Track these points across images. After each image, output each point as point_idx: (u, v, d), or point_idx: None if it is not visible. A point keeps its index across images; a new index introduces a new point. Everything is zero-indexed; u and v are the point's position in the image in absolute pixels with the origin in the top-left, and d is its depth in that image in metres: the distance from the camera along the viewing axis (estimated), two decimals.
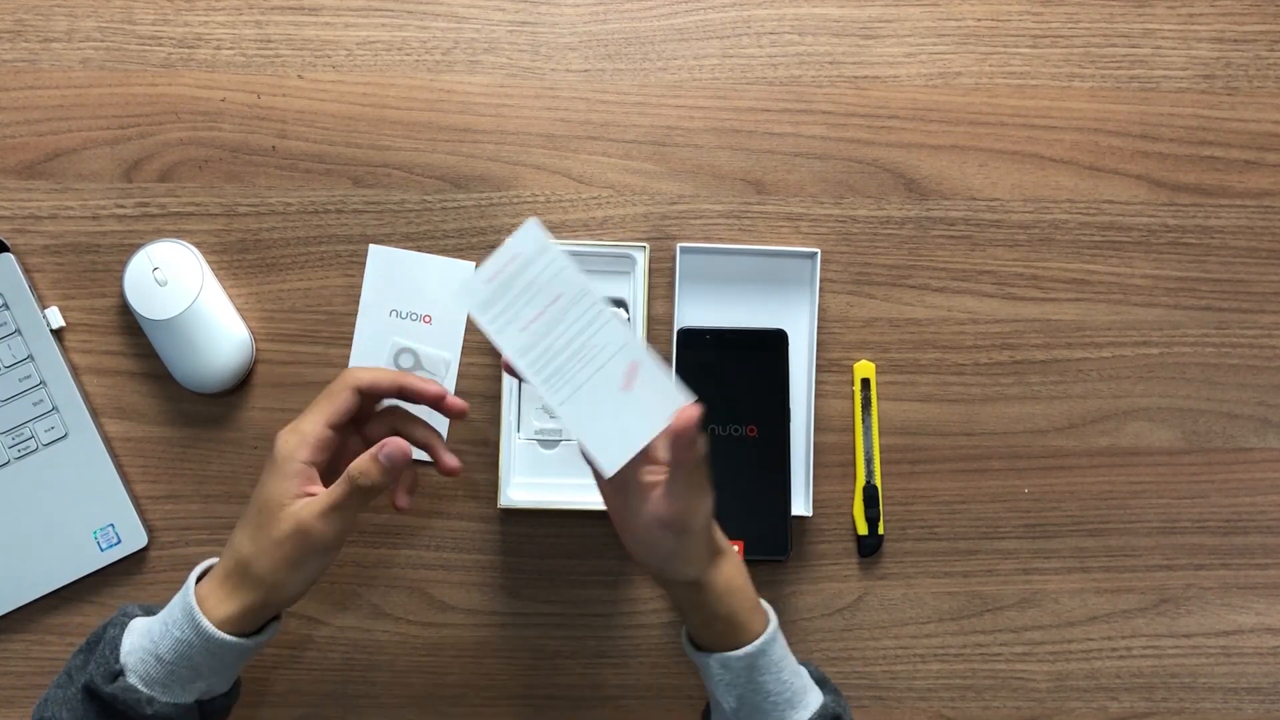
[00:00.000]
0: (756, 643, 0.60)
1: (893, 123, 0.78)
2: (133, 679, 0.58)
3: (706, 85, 0.77)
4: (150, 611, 0.62)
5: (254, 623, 0.60)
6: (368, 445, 0.60)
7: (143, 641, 0.59)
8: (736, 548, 0.62)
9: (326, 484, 0.60)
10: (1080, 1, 0.79)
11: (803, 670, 0.63)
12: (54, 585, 0.74)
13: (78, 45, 0.76)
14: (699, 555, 0.60)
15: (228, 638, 0.58)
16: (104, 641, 0.59)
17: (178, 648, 0.58)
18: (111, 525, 0.74)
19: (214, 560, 0.61)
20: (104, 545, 0.74)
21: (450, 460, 0.63)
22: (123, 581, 0.75)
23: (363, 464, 0.59)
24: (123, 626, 0.60)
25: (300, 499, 0.59)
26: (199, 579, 0.60)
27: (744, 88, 0.78)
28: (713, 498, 0.59)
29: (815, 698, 0.61)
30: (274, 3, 0.76)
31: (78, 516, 0.74)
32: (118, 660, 0.58)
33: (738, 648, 0.60)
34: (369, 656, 0.76)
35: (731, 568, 0.61)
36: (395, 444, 0.59)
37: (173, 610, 0.59)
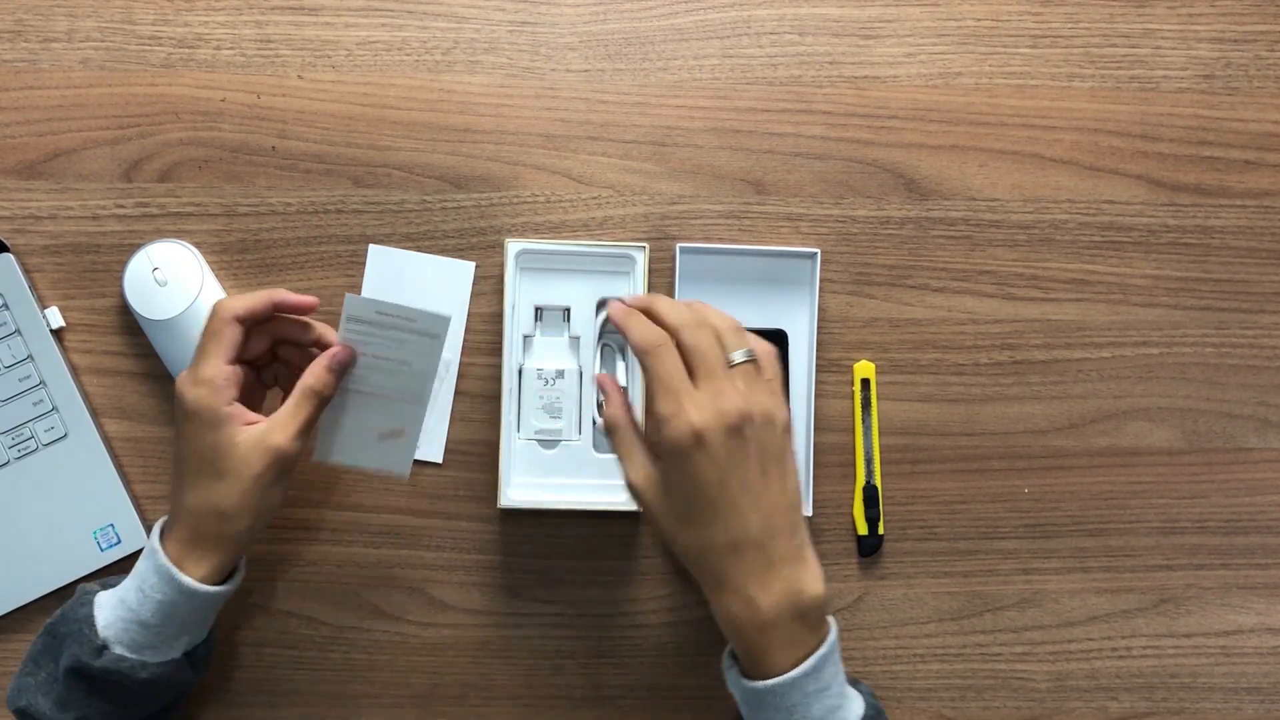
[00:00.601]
0: (760, 683, 0.58)
1: (893, 123, 0.78)
2: (119, 649, 0.60)
3: (706, 85, 0.77)
4: (107, 586, 0.64)
5: (228, 567, 0.64)
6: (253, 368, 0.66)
7: (119, 612, 0.60)
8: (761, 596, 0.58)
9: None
10: (1080, 1, 0.79)
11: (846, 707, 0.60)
12: (54, 585, 0.74)
13: (78, 45, 0.76)
14: (685, 551, 0.59)
15: (213, 589, 0.62)
16: (76, 621, 0.61)
17: (161, 609, 0.60)
18: (111, 525, 0.74)
19: (160, 524, 0.65)
20: (104, 545, 0.74)
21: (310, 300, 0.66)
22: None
23: (322, 376, 0.63)
24: (90, 605, 0.61)
25: (248, 432, 0.61)
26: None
27: (744, 88, 0.78)
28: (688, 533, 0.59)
29: None
30: (274, 3, 0.76)
31: (78, 517, 0.74)
32: (98, 635, 0.60)
33: (755, 678, 0.59)
34: (369, 656, 0.76)
35: (733, 607, 0.58)
36: (341, 351, 0.64)
37: (143, 577, 0.61)
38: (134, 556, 0.75)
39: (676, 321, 0.59)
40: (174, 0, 0.76)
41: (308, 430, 0.63)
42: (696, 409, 0.57)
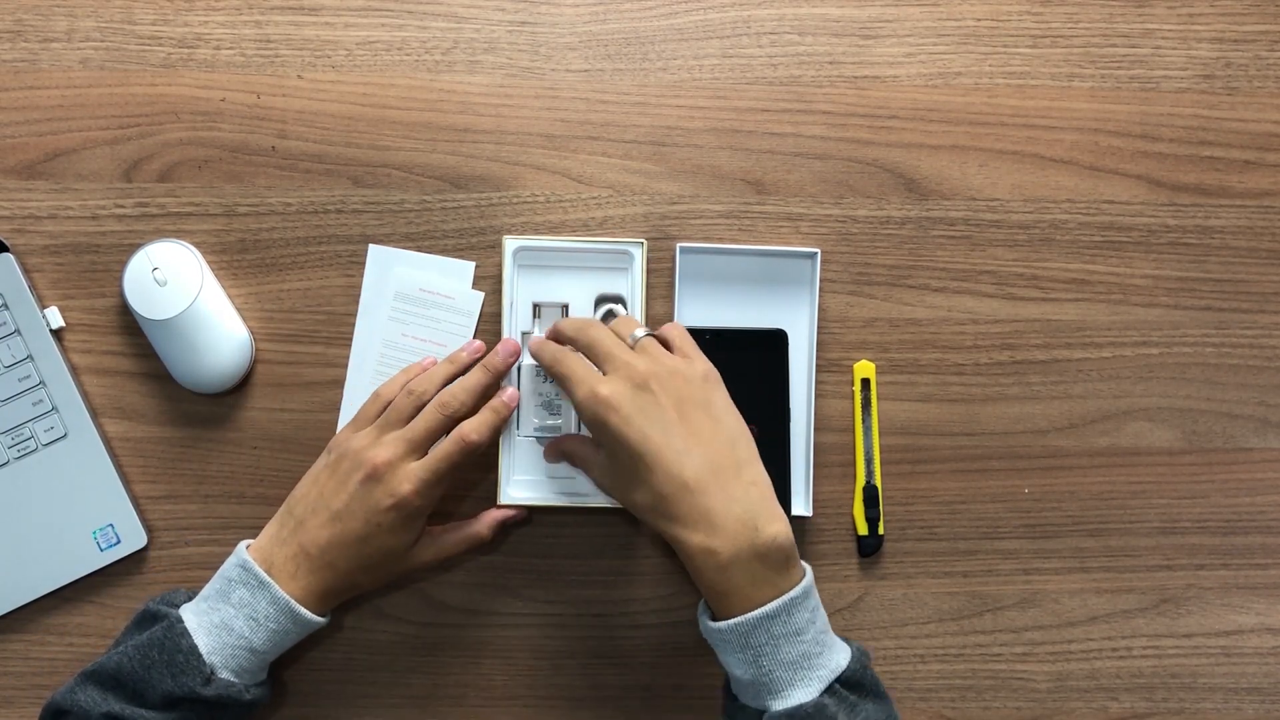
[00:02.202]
0: (723, 623, 0.60)
1: (893, 123, 0.78)
2: (225, 674, 0.62)
3: (706, 85, 0.77)
4: (169, 604, 0.65)
5: (344, 598, 0.68)
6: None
7: (225, 639, 0.63)
8: (722, 544, 0.60)
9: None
10: (1080, 1, 0.79)
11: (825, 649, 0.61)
12: (53, 585, 0.74)
13: (77, 45, 0.76)
14: (643, 512, 0.62)
15: (326, 620, 0.67)
16: (180, 651, 0.61)
17: (274, 637, 0.64)
18: (111, 525, 0.74)
19: (253, 548, 0.67)
20: (103, 545, 0.74)
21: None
22: (122, 582, 0.75)
23: (480, 420, 0.68)
24: (186, 634, 0.62)
25: (422, 542, 0.69)
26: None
27: (744, 88, 0.78)
28: (603, 470, 0.65)
29: (815, 680, 0.60)
30: (273, 3, 0.76)
31: (77, 517, 0.74)
32: (204, 663, 0.62)
33: (727, 617, 0.60)
34: (369, 656, 0.76)
35: (690, 547, 0.60)
36: (511, 393, 0.70)
37: (253, 607, 0.63)
38: (133, 557, 0.75)
39: (572, 332, 0.66)
40: (174, 0, 0.76)
41: (449, 472, 0.67)
42: (603, 383, 0.62)
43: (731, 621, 0.59)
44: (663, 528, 0.61)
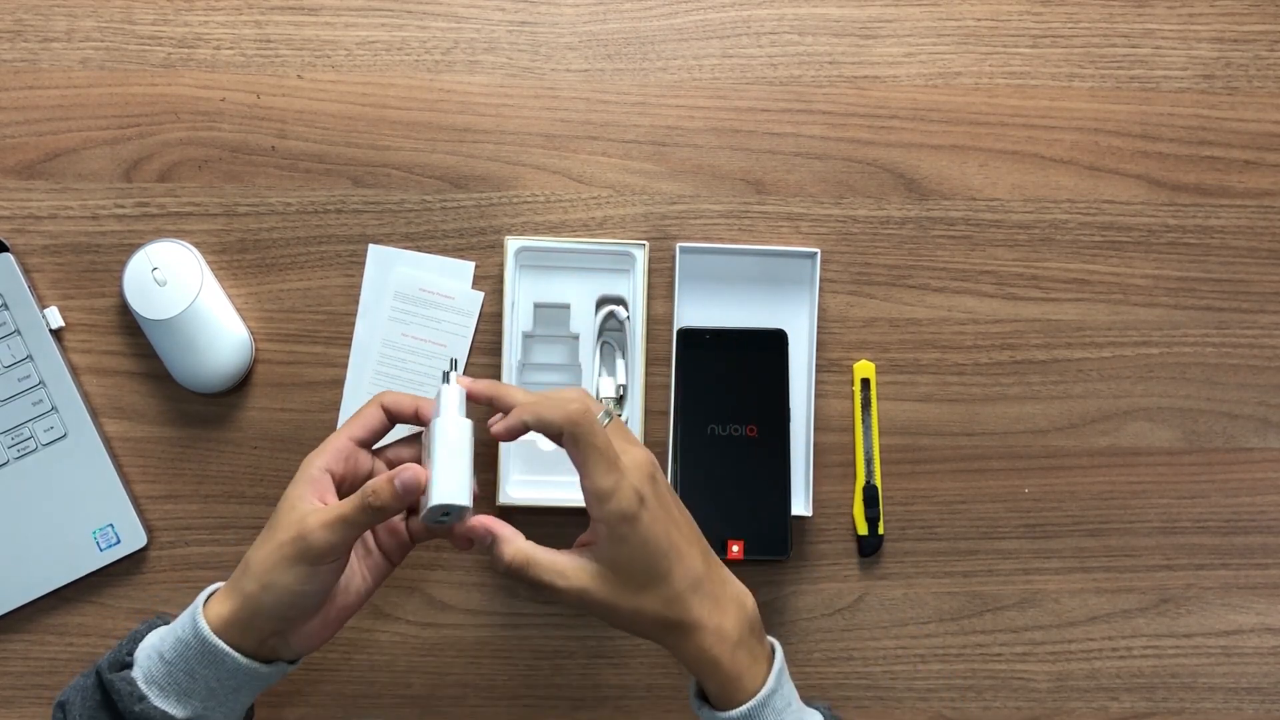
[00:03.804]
0: (745, 707, 0.57)
1: (893, 123, 0.78)
2: (136, 672, 0.57)
3: (706, 85, 0.77)
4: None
5: (248, 635, 0.57)
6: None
7: (154, 640, 0.59)
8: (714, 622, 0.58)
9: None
10: (1080, 1, 0.79)
11: None
12: (53, 585, 0.74)
13: (77, 45, 0.76)
14: (650, 615, 0.58)
15: (219, 643, 0.56)
16: (130, 634, 0.59)
17: (177, 646, 0.57)
18: (111, 525, 0.74)
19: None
20: (103, 545, 0.74)
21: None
22: (122, 582, 0.75)
23: (377, 483, 0.57)
24: (151, 625, 0.60)
25: (309, 504, 0.58)
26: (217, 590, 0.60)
27: (744, 88, 0.78)
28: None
29: None
30: (273, 3, 0.76)
31: (77, 516, 0.74)
32: (130, 653, 0.58)
33: (731, 706, 0.58)
34: (369, 657, 0.76)
35: (706, 643, 0.57)
36: (413, 471, 0.58)
37: (186, 611, 0.59)
38: (133, 556, 0.75)
39: (549, 398, 0.58)
40: (173, 0, 0.76)
41: (342, 526, 0.57)
42: (628, 472, 0.56)
43: (753, 703, 0.57)
44: (671, 631, 0.58)
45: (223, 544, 0.75)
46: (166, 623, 0.61)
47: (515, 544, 0.59)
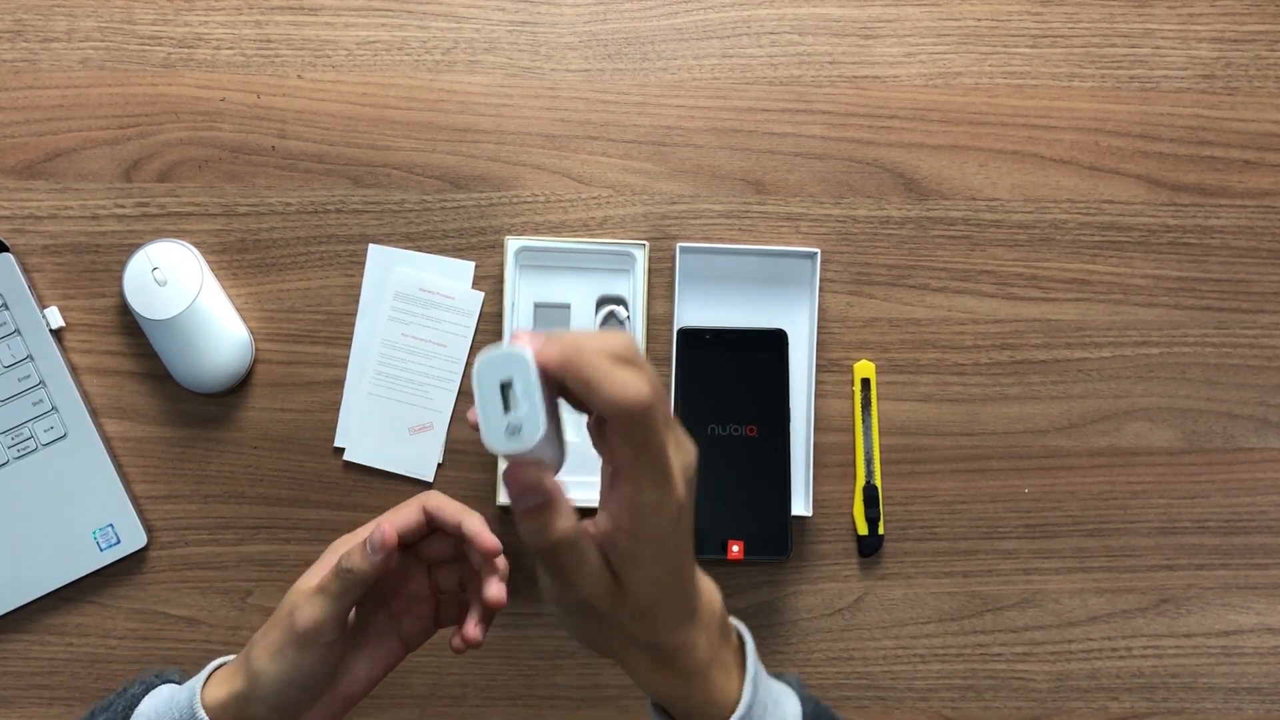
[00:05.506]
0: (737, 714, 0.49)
1: (893, 123, 0.78)
2: None
3: (706, 85, 0.77)
4: (180, 683, 0.60)
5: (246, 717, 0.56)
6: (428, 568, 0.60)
7: (154, 703, 0.57)
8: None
9: (370, 602, 0.58)
10: (1080, 1, 0.79)
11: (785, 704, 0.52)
12: (53, 585, 0.74)
13: (77, 45, 0.76)
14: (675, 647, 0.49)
15: None
16: (124, 698, 0.58)
17: None
18: (111, 525, 0.74)
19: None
20: (103, 545, 0.74)
21: (495, 591, 0.57)
22: (122, 582, 0.75)
23: (350, 547, 0.55)
24: (149, 688, 0.59)
25: (306, 583, 0.57)
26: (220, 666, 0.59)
27: (744, 87, 0.78)
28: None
29: None
30: (274, 3, 0.76)
31: (77, 516, 0.74)
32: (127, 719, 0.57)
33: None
34: None
35: (699, 654, 0.49)
36: (382, 530, 0.55)
37: (186, 687, 0.57)
38: (133, 557, 0.75)
39: (602, 364, 0.42)
40: (174, 0, 0.76)
41: (323, 599, 0.54)
42: (677, 485, 0.45)
43: (744, 708, 0.50)
44: (675, 656, 0.49)
45: (223, 544, 0.75)
46: (167, 681, 0.59)
47: (573, 521, 0.46)
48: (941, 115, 0.78)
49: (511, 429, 0.42)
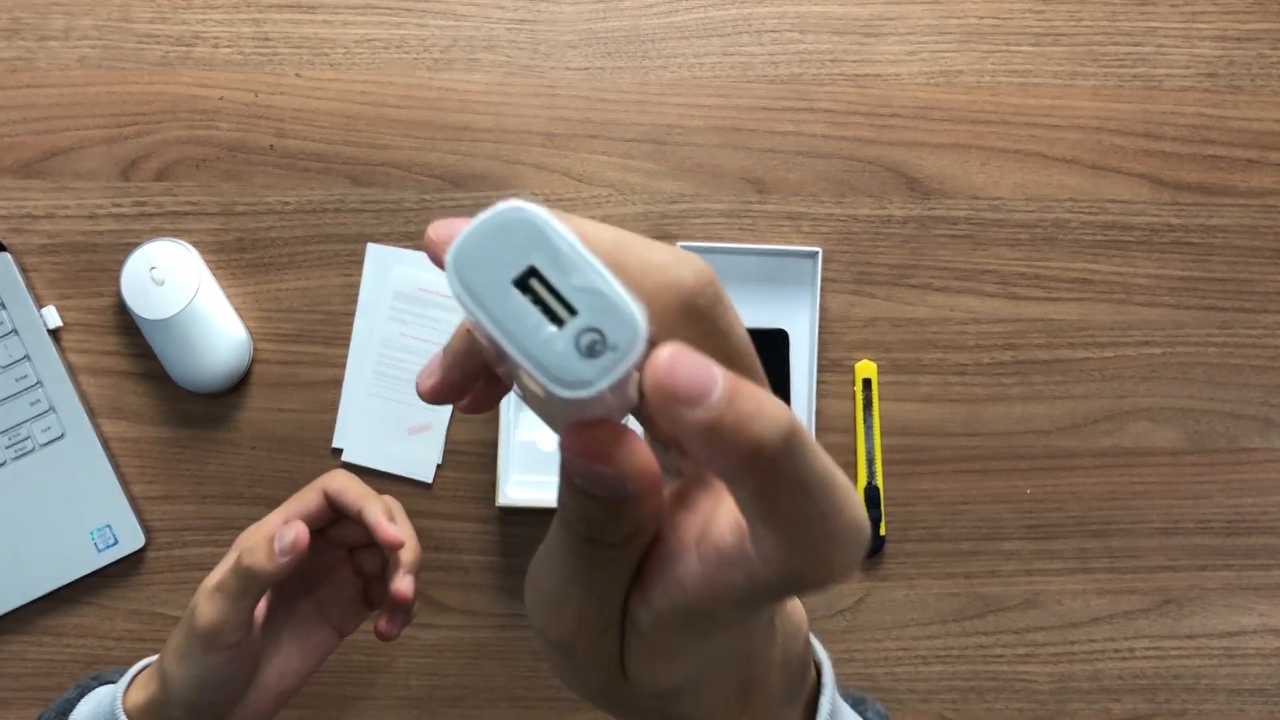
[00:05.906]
0: None
1: (894, 121, 0.77)
2: None
3: (707, 83, 0.77)
4: (113, 682, 0.58)
5: None
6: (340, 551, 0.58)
7: (89, 707, 0.56)
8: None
9: (292, 591, 0.56)
10: None
11: None
12: (51, 586, 0.74)
13: (74, 43, 0.76)
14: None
15: None
16: (60, 702, 0.57)
17: None
18: (109, 526, 0.74)
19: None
20: (101, 546, 0.74)
21: (401, 586, 0.55)
22: (120, 583, 0.75)
23: (253, 540, 0.52)
24: (84, 690, 0.58)
25: (209, 581, 0.54)
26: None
27: (745, 86, 0.77)
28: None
29: None
30: (271, 1, 0.76)
31: (75, 517, 0.74)
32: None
33: None
34: (368, 658, 0.76)
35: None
36: (295, 530, 0.52)
37: (114, 687, 0.56)
38: (131, 557, 0.74)
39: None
40: None
41: (221, 596, 0.52)
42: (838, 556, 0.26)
43: None
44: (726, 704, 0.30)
45: (221, 545, 0.75)
46: (105, 683, 0.58)
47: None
48: (943, 114, 0.78)
49: (584, 343, 0.24)
